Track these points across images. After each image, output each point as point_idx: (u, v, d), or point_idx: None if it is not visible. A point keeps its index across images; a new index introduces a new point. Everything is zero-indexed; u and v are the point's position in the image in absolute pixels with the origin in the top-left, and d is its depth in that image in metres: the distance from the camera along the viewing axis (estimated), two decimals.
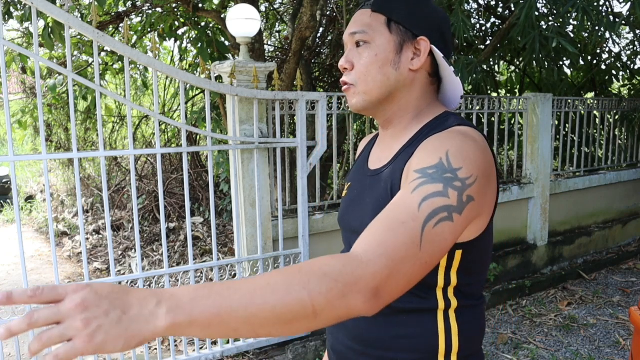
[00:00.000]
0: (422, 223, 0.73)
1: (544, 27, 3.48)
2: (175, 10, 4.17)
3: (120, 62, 4.46)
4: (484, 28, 5.34)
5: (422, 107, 0.95)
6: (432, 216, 0.74)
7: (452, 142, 0.80)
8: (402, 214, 0.74)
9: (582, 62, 5.38)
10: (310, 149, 3.00)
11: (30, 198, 7.11)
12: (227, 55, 3.95)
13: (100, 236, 5.22)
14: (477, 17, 5.11)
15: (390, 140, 0.98)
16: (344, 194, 1.08)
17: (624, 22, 3.67)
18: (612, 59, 5.28)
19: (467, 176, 0.77)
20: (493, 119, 4.05)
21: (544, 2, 3.90)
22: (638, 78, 5.65)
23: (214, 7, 4.35)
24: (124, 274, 4.24)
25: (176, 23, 4.23)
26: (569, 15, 3.30)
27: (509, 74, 6.22)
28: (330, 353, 1.03)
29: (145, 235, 4.92)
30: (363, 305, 0.66)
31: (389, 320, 0.90)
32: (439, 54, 0.92)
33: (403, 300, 0.88)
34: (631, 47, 5.33)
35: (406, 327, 0.90)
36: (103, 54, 4.64)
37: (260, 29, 3.52)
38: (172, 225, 4.99)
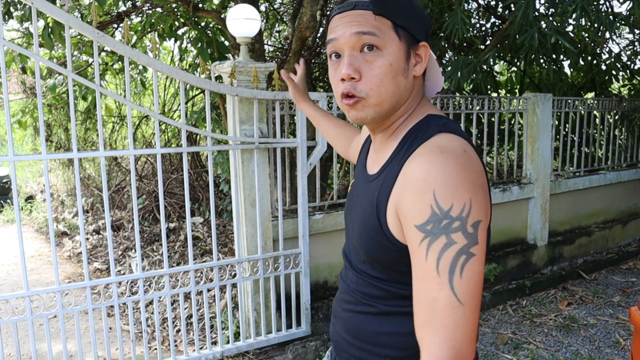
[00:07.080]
0: (449, 284, 0.74)
1: (543, 26, 3.47)
2: (175, 10, 4.16)
3: (120, 62, 4.46)
4: (483, 28, 5.33)
5: (413, 108, 0.94)
6: (453, 270, 0.75)
7: (434, 176, 0.77)
8: (430, 290, 0.76)
9: (582, 62, 5.37)
10: (310, 149, 3.01)
11: (30, 198, 7.11)
12: (227, 55, 3.95)
13: (100, 236, 5.22)
14: (477, 17, 5.10)
15: (380, 145, 0.97)
16: (349, 189, 1.09)
17: (623, 22, 3.67)
18: (612, 59, 5.27)
19: (460, 210, 0.75)
20: (493, 119, 4.05)
21: (544, 1, 3.90)
22: (638, 78, 5.64)
23: (214, 7, 4.35)
24: (124, 274, 4.24)
25: (176, 23, 4.23)
26: (567, 13, 3.30)
27: (509, 74, 6.22)
28: (331, 341, 1.10)
29: (145, 235, 4.92)
30: None
31: (378, 318, 0.94)
32: (433, 56, 0.93)
33: (391, 304, 0.93)
34: (631, 47, 5.33)
35: (393, 325, 0.93)
36: (103, 54, 4.64)
37: (260, 29, 3.52)
38: (172, 225, 4.99)
